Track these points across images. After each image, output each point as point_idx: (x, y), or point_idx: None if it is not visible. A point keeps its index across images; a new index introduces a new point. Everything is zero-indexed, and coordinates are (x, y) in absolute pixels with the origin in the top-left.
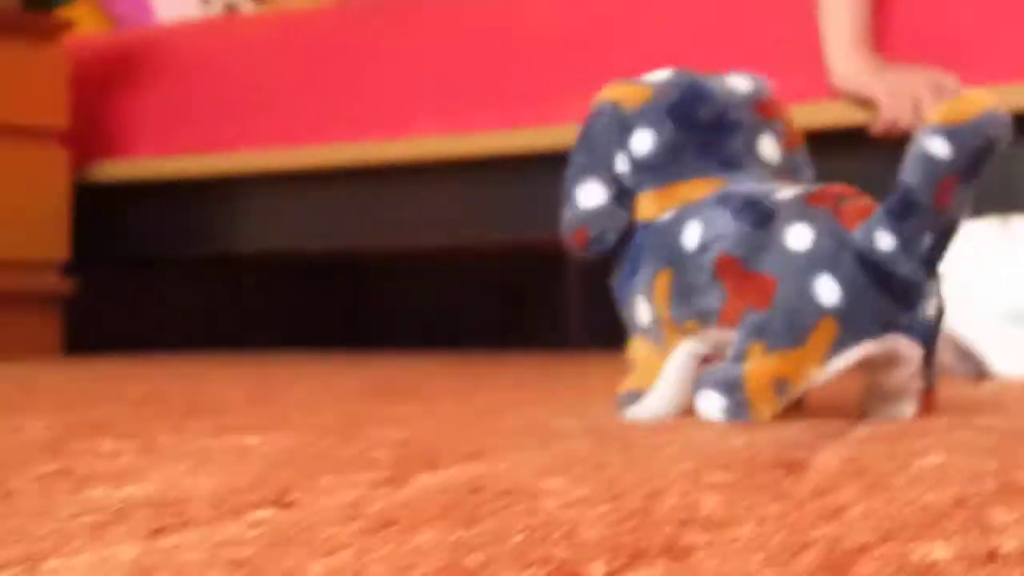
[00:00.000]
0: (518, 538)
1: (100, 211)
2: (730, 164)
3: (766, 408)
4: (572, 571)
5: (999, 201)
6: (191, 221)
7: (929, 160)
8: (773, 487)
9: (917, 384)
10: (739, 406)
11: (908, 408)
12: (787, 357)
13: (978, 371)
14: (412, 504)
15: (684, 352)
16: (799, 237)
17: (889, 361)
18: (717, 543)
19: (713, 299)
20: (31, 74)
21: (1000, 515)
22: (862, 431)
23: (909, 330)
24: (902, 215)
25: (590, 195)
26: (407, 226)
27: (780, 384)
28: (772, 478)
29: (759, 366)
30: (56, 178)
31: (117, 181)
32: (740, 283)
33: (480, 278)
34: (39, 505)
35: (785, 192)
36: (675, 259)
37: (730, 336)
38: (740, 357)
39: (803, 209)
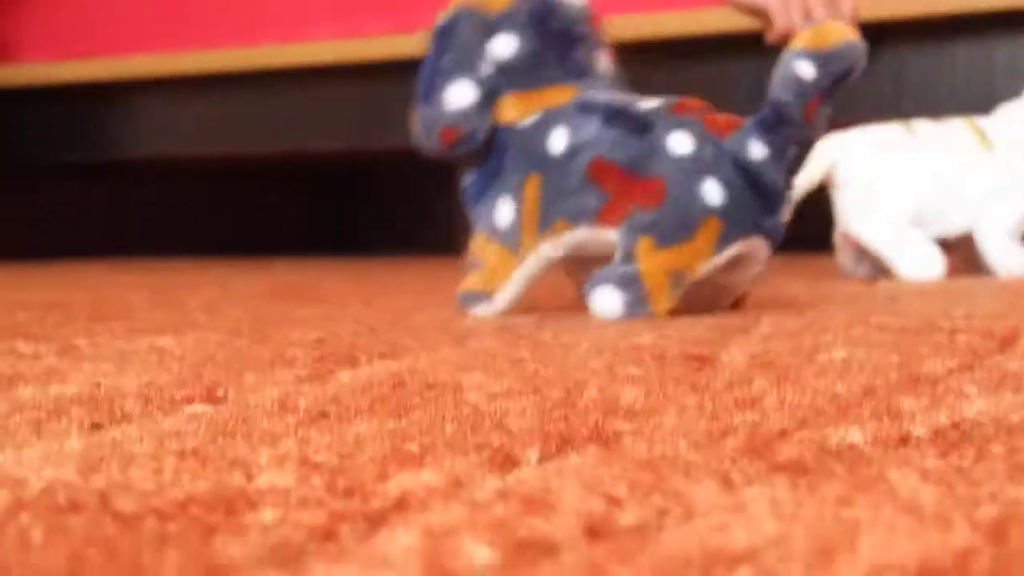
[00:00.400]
0: (450, 427)
1: None
2: (579, 74)
3: (664, 300)
4: (508, 456)
5: (897, 105)
6: (82, 128)
7: (798, 80)
8: (687, 379)
9: (747, 283)
10: (639, 300)
11: (726, 302)
12: (679, 251)
13: (873, 273)
14: (339, 398)
15: (540, 254)
16: (681, 144)
17: (739, 260)
18: (643, 430)
19: (588, 200)
20: None
21: (908, 403)
22: (764, 328)
23: (769, 232)
24: (774, 128)
25: (459, 95)
26: (299, 131)
27: (675, 276)
28: (685, 371)
29: (654, 261)
30: None
31: (4, 87)
32: (625, 185)
33: (370, 184)
34: None
35: (647, 103)
36: (543, 163)
37: (607, 235)
38: (630, 253)
39: (677, 119)
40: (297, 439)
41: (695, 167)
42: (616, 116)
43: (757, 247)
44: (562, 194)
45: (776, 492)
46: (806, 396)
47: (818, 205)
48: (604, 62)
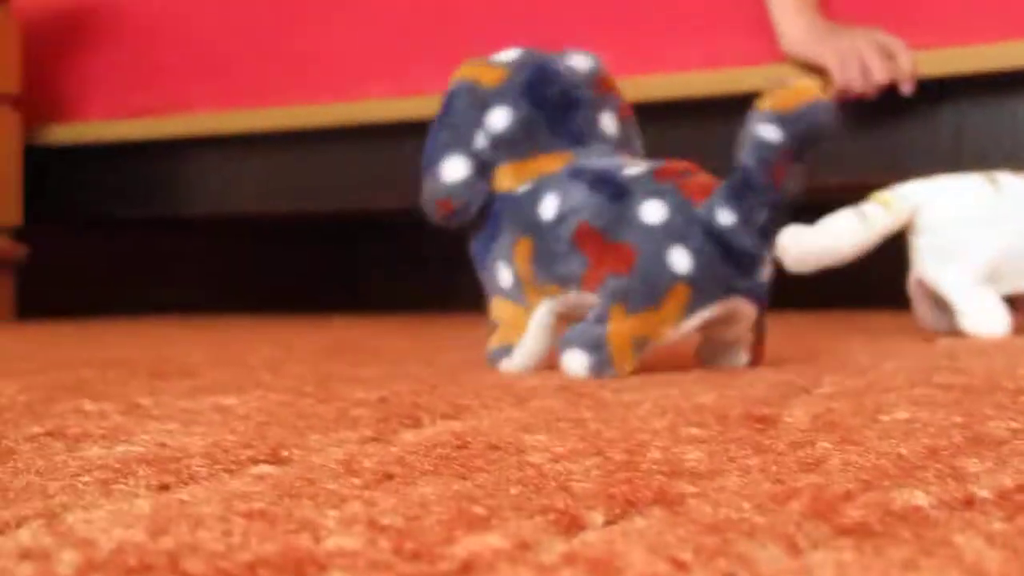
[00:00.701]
0: (515, 490)
1: (51, 174)
2: (577, 139)
3: (626, 364)
4: (573, 519)
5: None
6: (143, 184)
7: (763, 144)
8: (750, 441)
9: (749, 337)
10: (602, 362)
11: (742, 358)
12: (645, 318)
13: (953, 327)
14: (404, 460)
15: (545, 309)
16: (653, 212)
17: (728, 318)
18: (706, 492)
19: (574, 265)
20: None
21: (972, 465)
22: (825, 388)
23: (747, 293)
24: (740, 194)
25: (453, 170)
26: (356, 189)
27: (638, 342)
28: (747, 432)
29: (620, 326)
30: (8, 143)
31: (68, 144)
32: (601, 252)
33: (420, 241)
34: (41, 464)
35: (633, 168)
36: (534, 228)
37: (591, 299)
38: (603, 318)
39: (654, 185)
40: (363, 501)
41: (664, 235)
42: (600, 182)
43: (737, 307)
44: (552, 259)
45: (842, 556)
46: (870, 458)
47: (876, 262)
48: (609, 124)
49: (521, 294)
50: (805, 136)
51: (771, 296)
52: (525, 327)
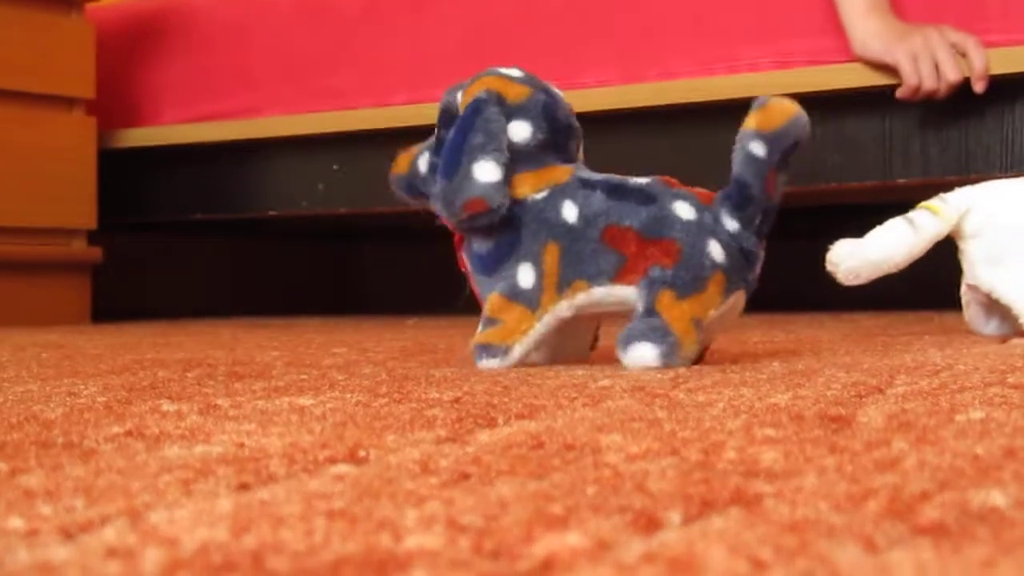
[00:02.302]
0: (591, 490)
1: (124, 178)
2: (568, 158)
3: (691, 345)
4: (651, 519)
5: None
6: (214, 187)
7: (756, 160)
8: (825, 441)
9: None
10: (671, 348)
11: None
12: (695, 301)
13: (1003, 331)
14: (480, 460)
15: (554, 314)
16: (686, 210)
17: (732, 308)
18: (784, 493)
19: (605, 262)
20: (57, 44)
21: None
22: (899, 388)
23: (748, 286)
24: (741, 205)
25: (488, 172)
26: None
27: (696, 322)
28: (822, 433)
29: (677, 311)
30: (83, 147)
31: (141, 147)
32: (641, 248)
33: None
34: (122, 463)
35: (635, 180)
36: (560, 231)
37: (620, 292)
38: (652, 308)
39: (672, 191)
40: (442, 500)
41: (700, 229)
42: (617, 190)
43: (740, 298)
44: (579, 259)
45: (920, 555)
46: (946, 458)
47: (941, 265)
48: (577, 150)
49: (537, 297)
50: (787, 150)
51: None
52: (528, 331)
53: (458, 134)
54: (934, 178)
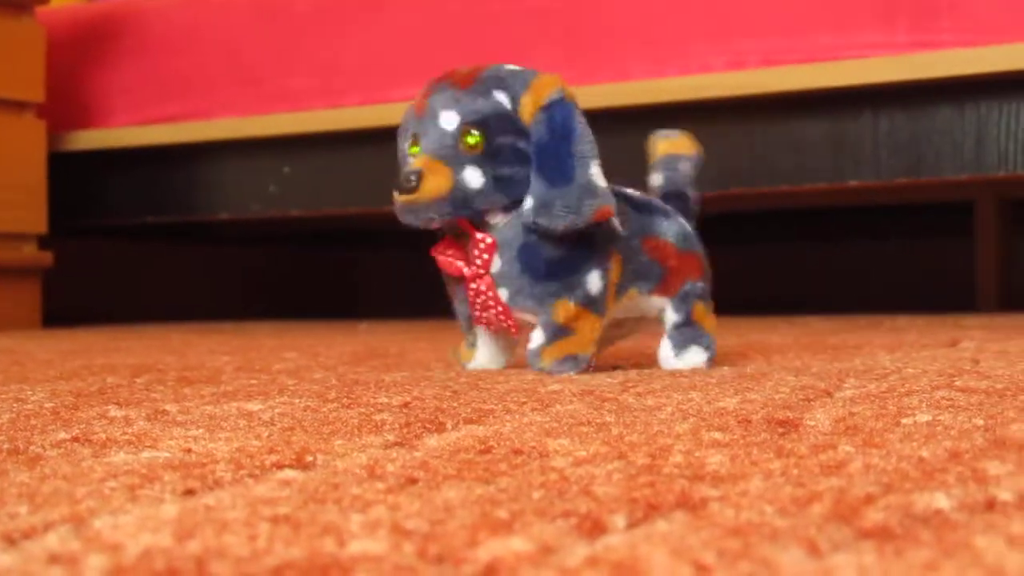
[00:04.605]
0: (537, 494)
1: (76, 181)
2: None
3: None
4: (596, 523)
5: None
6: (166, 190)
7: (689, 176)
8: (772, 444)
9: None
10: (713, 351)
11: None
12: (711, 309)
13: None
14: (427, 464)
15: (606, 320)
16: (689, 226)
17: None
18: (729, 496)
19: (652, 274)
20: (7, 46)
21: (993, 468)
22: (847, 392)
23: None
24: (689, 217)
25: (602, 177)
26: (380, 193)
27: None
28: (769, 436)
29: (708, 321)
30: (33, 150)
31: (91, 151)
32: (679, 261)
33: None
34: (68, 469)
35: (640, 194)
36: (619, 242)
37: (653, 302)
38: (689, 317)
39: (663, 207)
40: (387, 505)
41: (701, 244)
42: (641, 206)
43: None
44: (635, 268)
45: (863, 559)
46: (891, 461)
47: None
48: None
49: (604, 303)
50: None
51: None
52: (595, 338)
53: (560, 140)
54: (884, 181)
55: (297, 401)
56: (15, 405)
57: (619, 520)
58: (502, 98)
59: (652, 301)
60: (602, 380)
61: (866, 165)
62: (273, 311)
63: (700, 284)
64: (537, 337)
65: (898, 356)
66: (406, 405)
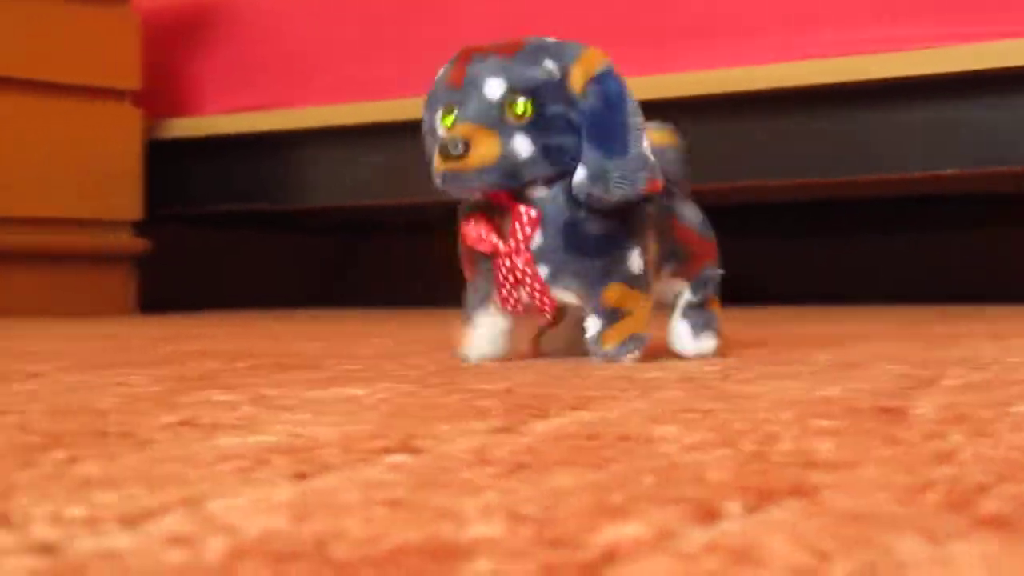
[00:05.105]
0: (649, 480)
1: (170, 168)
2: None
3: None
4: (710, 509)
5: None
6: (255, 178)
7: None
8: (880, 432)
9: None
10: (719, 338)
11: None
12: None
13: None
14: (535, 450)
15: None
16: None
17: None
18: (842, 484)
19: (679, 256)
20: (104, 35)
21: None
22: (950, 381)
23: None
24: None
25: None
26: None
27: None
28: (876, 424)
29: (718, 308)
30: (129, 138)
31: (185, 138)
32: (700, 246)
33: None
34: (178, 453)
35: None
36: (654, 220)
37: (673, 286)
38: (703, 302)
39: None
40: (500, 490)
41: None
42: (666, 187)
43: None
44: (667, 249)
45: (984, 547)
46: (1001, 450)
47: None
48: None
49: (647, 282)
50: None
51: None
52: (648, 316)
53: (614, 111)
54: (978, 168)
55: (398, 386)
56: (120, 389)
57: (733, 507)
58: (552, 67)
59: (673, 284)
60: (701, 368)
61: (957, 153)
62: (357, 298)
63: (716, 270)
64: (593, 324)
65: (1000, 345)
66: (508, 391)
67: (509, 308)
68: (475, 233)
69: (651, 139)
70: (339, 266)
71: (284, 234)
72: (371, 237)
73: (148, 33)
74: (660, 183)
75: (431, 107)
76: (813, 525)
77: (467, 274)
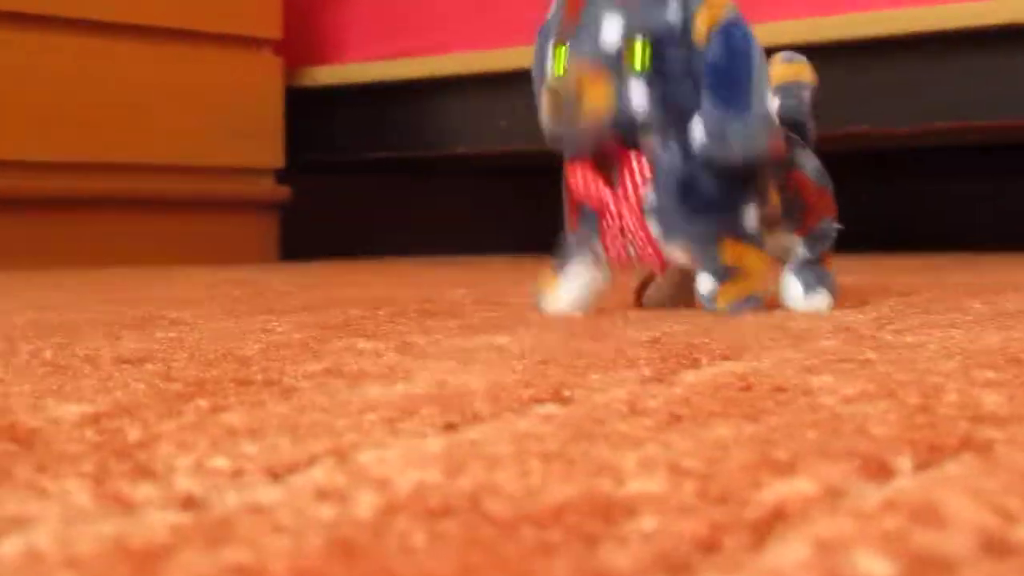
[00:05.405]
0: (811, 433)
1: (311, 117)
2: None
3: None
4: (881, 465)
5: None
6: (400, 125)
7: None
8: None
9: None
10: (834, 294)
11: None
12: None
13: None
14: (690, 401)
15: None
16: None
17: None
18: (1016, 439)
19: (794, 209)
20: None
21: None
22: None
23: None
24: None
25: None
26: None
27: None
28: None
29: (831, 263)
30: (270, 87)
31: (326, 86)
32: (817, 198)
33: None
34: (324, 402)
35: None
36: (775, 174)
37: (792, 241)
38: (819, 257)
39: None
40: (659, 443)
41: None
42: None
43: None
44: (785, 203)
45: None
46: None
47: None
48: None
49: (760, 238)
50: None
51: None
52: (765, 271)
53: (739, 64)
54: None
55: (544, 334)
56: (263, 336)
57: (904, 462)
58: (675, 10)
59: (786, 239)
60: (855, 316)
61: None
62: (502, 244)
63: (832, 223)
64: (705, 282)
65: None
66: (656, 340)
67: (614, 261)
68: (582, 183)
69: (780, 73)
70: (483, 212)
71: (427, 180)
72: (516, 183)
73: None
74: (782, 146)
75: (541, 43)
76: (992, 482)
77: (570, 222)
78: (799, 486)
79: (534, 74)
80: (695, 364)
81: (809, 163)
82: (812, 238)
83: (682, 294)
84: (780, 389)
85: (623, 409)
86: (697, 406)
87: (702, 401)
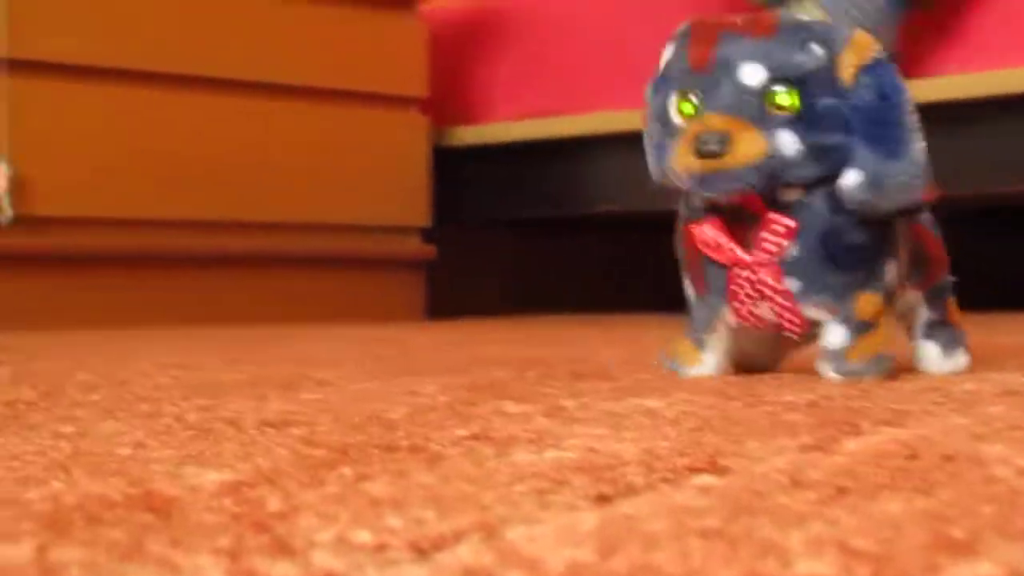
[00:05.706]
0: (988, 509)
1: (457, 176)
2: None
3: None
4: None
5: None
6: (546, 184)
7: None
8: None
9: None
10: (969, 353)
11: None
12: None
13: None
14: (854, 472)
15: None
16: None
17: None
18: None
19: (920, 263)
20: (392, 43)
21: None
22: None
23: None
24: None
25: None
26: None
27: None
28: None
29: (959, 317)
30: (417, 145)
31: (473, 145)
32: (936, 251)
33: None
34: (471, 470)
35: None
36: (902, 228)
37: (914, 298)
38: (947, 315)
39: None
40: (824, 519)
41: None
42: None
43: None
44: (914, 259)
45: None
46: None
47: None
48: None
49: (893, 296)
50: None
51: None
52: (891, 331)
53: (891, 106)
54: None
55: (698, 398)
56: (409, 399)
57: None
58: (819, 52)
59: (910, 296)
60: (1018, 379)
61: None
62: (648, 301)
63: (949, 276)
64: (837, 335)
65: None
66: (814, 404)
67: (744, 322)
68: (712, 240)
69: None
70: (629, 268)
71: (572, 237)
72: (663, 239)
73: (435, 41)
74: (934, 191)
75: (660, 91)
76: None
77: (694, 286)
78: (981, 570)
79: (648, 126)
80: (856, 431)
81: (924, 214)
82: (933, 295)
83: (769, 353)
84: (948, 458)
85: (784, 481)
86: (863, 477)
87: (868, 472)
